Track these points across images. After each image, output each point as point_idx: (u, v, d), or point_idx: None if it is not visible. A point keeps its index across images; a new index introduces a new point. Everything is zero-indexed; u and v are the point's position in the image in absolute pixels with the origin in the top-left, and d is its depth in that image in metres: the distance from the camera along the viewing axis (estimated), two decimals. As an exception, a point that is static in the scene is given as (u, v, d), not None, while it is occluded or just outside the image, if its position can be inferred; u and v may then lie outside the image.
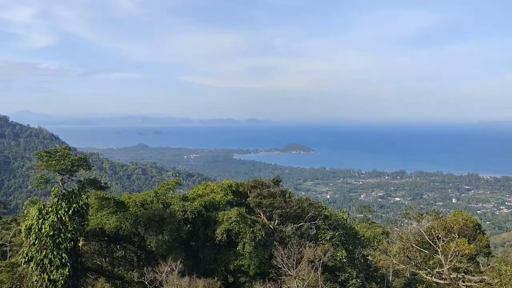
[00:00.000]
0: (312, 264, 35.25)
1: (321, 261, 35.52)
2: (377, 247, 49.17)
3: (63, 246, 31.27)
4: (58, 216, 31.52)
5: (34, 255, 31.28)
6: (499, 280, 31.37)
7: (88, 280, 39.08)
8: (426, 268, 38.96)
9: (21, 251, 32.83)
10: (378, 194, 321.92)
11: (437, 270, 37.22)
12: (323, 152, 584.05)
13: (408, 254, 39.26)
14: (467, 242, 36.40)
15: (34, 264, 31.23)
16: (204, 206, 41.15)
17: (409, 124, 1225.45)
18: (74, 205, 32.05)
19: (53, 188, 32.71)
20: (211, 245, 41.02)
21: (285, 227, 43.19)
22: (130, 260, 45.93)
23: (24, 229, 32.27)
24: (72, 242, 31.84)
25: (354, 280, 41.17)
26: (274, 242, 39.89)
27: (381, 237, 59.42)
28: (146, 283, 34.83)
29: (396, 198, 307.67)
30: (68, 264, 31.25)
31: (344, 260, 41.85)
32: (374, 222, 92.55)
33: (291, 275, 34.20)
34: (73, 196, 32.49)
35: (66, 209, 31.70)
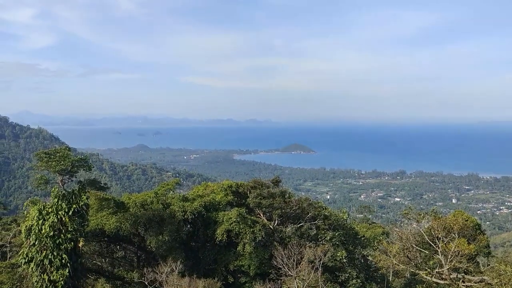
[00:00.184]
0: (312, 264, 35.24)
1: (321, 262, 35.52)
2: (377, 248, 49.19)
3: (63, 246, 31.28)
4: (58, 216, 31.53)
5: (34, 256, 31.29)
6: (499, 280, 31.38)
7: (88, 281, 39.05)
8: (426, 268, 38.96)
9: (21, 251, 32.83)
10: (378, 194, 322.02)
11: (437, 270, 37.21)
12: (323, 153, 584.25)
13: (408, 255, 39.27)
14: (467, 242, 36.39)
15: (34, 264, 31.24)
16: (204, 207, 41.17)
17: (409, 124, 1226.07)
18: (74, 206, 32.07)
19: (53, 189, 32.71)
20: (211, 246, 41.04)
21: (285, 227, 43.20)
22: (130, 260, 45.93)
23: (24, 229, 32.28)
24: (72, 243, 31.85)
25: (354, 281, 41.17)
26: (274, 242, 39.89)
27: (381, 237, 59.44)
28: (146, 283, 34.82)
29: (396, 199, 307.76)
30: (68, 264, 31.25)
31: (344, 260, 41.84)
32: (374, 223, 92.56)
33: (291, 276, 34.21)
34: (73, 197, 32.50)
35: (66, 210, 31.71)
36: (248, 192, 45.41)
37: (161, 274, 33.94)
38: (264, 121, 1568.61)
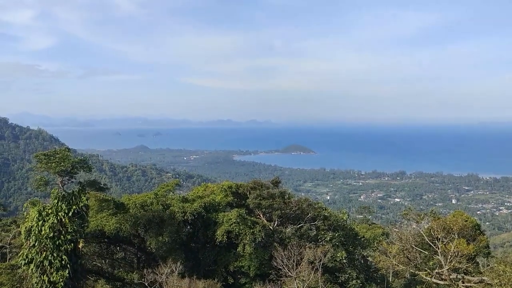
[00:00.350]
0: (312, 265, 35.25)
1: (321, 262, 35.53)
2: (377, 248, 49.24)
3: (63, 248, 31.28)
4: (58, 218, 31.54)
5: (34, 257, 31.29)
6: (498, 280, 31.40)
7: (88, 282, 39.06)
8: (426, 269, 39.01)
9: (21, 253, 32.82)
10: (378, 195, 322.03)
11: (436, 270, 37.26)
12: (323, 153, 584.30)
13: (408, 255, 39.32)
14: (466, 243, 36.44)
15: (34, 266, 31.24)
16: (204, 208, 41.18)
17: (409, 125, 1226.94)
18: (74, 207, 32.07)
19: (53, 190, 32.72)
20: (211, 247, 41.05)
21: (285, 228, 43.21)
22: (130, 261, 45.94)
23: (24, 231, 32.28)
24: (72, 244, 31.85)
25: (354, 281, 41.20)
26: (274, 243, 39.89)
27: (381, 238, 59.49)
28: (146, 284, 34.81)
29: (396, 199, 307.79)
30: (68, 266, 31.25)
31: (344, 261, 41.86)
32: (374, 223, 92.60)
33: (291, 276, 34.22)
34: (73, 198, 32.50)
35: (66, 211, 31.72)
36: (248, 193, 45.42)
37: (161, 275, 33.94)
38: (264, 121, 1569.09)
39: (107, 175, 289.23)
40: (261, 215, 43.64)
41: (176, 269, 34.39)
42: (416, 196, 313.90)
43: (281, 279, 36.28)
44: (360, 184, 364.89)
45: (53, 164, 32.91)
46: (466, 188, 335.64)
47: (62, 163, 33.01)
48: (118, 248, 45.51)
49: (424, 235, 39.74)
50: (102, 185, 39.64)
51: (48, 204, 32.53)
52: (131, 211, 40.01)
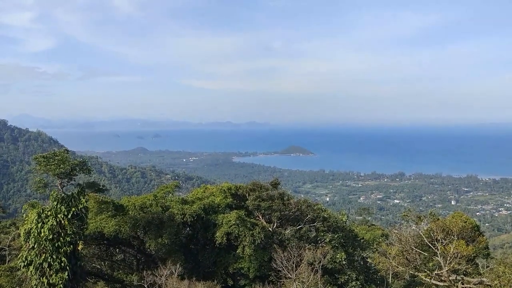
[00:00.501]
0: (312, 266, 35.26)
1: (321, 264, 35.55)
2: (377, 250, 49.25)
3: (62, 250, 31.25)
4: (57, 219, 31.52)
5: (33, 259, 31.26)
6: (498, 281, 31.40)
7: (88, 284, 38.99)
8: (425, 270, 38.98)
9: (20, 255, 32.80)
10: (377, 196, 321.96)
11: (436, 272, 37.25)
12: (322, 155, 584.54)
13: (408, 256, 39.30)
14: (466, 244, 36.44)
15: (33, 268, 31.20)
16: (203, 209, 41.20)
17: (408, 125, 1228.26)
18: (73, 209, 32.05)
19: (52, 192, 32.69)
20: (210, 248, 41.05)
21: (284, 229, 43.21)
22: (129, 263, 45.92)
23: (23, 233, 32.25)
24: (72, 246, 31.82)
25: (353, 283, 41.22)
26: (273, 245, 39.90)
27: (380, 239, 59.53)
28: (146, 286, 34.79)
29: (395, 200, 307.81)
30: (68, 268, 31.22)
31: (344, 262, 41.88)
32: (374, 225, 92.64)
33: (291, 278, 34.21)
34: (72, 200, 32.48)
35: (65, 213, 31.70)
36: (247, 195, 45.44)
37: (161, 277, 33.92)
38: (264, 123, 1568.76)
39: (106, 177, 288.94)
40: (261, 217, 43.65)
41: (175, 271, 34.39)
42: (415, 198, 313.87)
43: (280, 280, 36.28)
44: (360, 185, 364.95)
45: (52, 166, 32.89)
46: (466, 189, 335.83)
47: (61, 165, 32.99)
48: (118, 250, 45.50)
49: (423, 236, 39.74)
50: (101, 186, 39.58)
51: (48, 206, 32.51)
52: (130, 213, 40.02)
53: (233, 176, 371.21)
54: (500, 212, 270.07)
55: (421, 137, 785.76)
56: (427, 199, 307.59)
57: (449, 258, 35.46)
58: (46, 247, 31.06)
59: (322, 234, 44.31)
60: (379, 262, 44.06)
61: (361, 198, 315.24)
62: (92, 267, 42.24)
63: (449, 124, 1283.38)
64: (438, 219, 47.04)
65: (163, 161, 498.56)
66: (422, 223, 46.08)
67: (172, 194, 46.00)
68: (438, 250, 36.72)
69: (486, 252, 47.88)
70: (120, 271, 43.80)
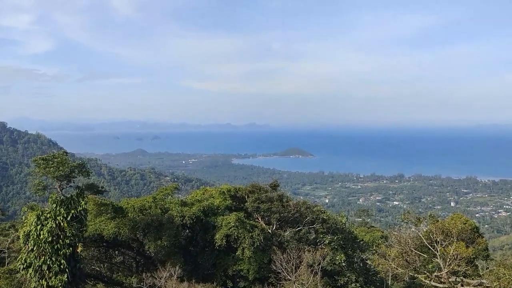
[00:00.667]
0: (311, 268, 35.25)
1: (320, 265, 35.56)
2: (376, 251, 49.20)
3: (61, 252, 31.25)
4: (57, 222, 31.52)
5: (33, 261, 31.24)
6: (497, 283, 31.40)
7: (87, 286, 38.94)
8: (425, 272, 38.95)
9: (19, 257, 32.79)
10: (377, 198, 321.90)
11: (435, 273, 37.23)
12: (322, 156, 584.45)
13: (407, 258, 39.26)
14: (465, 246, 36.45)
15: (32, 270, 31.18)
16: (202, 211, 41.19)
17: (408, 126, 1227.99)
18: (72, 211, 32.06)
19: (51, 194, 32.70)
20: (210, 250, 41.02)
21: (284, 231, 43.22)
22: (128, 265, 45.89)
23: (23, 235, 32.23)
24: (71, 248, 31.82)
25: (353, 284, 41.22)
26: (273, 246, 39.91)
27: (380, 241, 59.40)
28: (145, 288, 34.78)
29: (394, 202, 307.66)
30: (67, 270, 31.21)
31: (343, 264, 41.88)
32: (373, 226, 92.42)
33: (290, 280, 34.20)
34: (72, 202, 32.49)
35: (65, 215, 31.70)
36: (246, 197, 45.46)
37: (160, 279, 33.90)
38: (263, 125, 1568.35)
39: (105, 179, 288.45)
40: (260, 219, 43.65)
41: (175, 273, 34.36)
42: (414, 199, 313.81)
43: (280, 282, 36.25)
44: (359, 187, 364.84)
45: (52, 168, 32.90)
46: (465, 191, 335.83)
47: (60, 168, 33.01)
48: (117, 252, 45.48)
49: (423, 238, 39.75)
50: (100, 188, 39.57)
51: (47, 209, 32.51)
52: (129, 215, 39.99)
53: (233, 178, 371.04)
54: (500, 214, 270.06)
55: (421, 138, 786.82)
56: (427, 201, 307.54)
57: (448, 259, 35.44)
58: (46, 249, 31.04)
59: (321, 236, 44.31)
60: (378, 264, 44.00)
61: (360, 200, 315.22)
62: (92, 269, 42.21)
63: (449, 124, 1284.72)
64: (438, 220, 47.07)
65: (163, 163, 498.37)
66: (422, 225, 46.09)
67: (171, 196, 46.03)
68: (437, 251, 36.71)
69: (486, 254, 47.83)
70: (120, 273, 43.77)
